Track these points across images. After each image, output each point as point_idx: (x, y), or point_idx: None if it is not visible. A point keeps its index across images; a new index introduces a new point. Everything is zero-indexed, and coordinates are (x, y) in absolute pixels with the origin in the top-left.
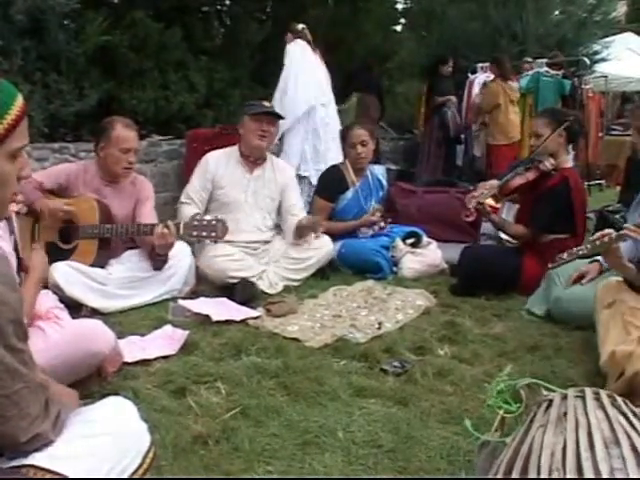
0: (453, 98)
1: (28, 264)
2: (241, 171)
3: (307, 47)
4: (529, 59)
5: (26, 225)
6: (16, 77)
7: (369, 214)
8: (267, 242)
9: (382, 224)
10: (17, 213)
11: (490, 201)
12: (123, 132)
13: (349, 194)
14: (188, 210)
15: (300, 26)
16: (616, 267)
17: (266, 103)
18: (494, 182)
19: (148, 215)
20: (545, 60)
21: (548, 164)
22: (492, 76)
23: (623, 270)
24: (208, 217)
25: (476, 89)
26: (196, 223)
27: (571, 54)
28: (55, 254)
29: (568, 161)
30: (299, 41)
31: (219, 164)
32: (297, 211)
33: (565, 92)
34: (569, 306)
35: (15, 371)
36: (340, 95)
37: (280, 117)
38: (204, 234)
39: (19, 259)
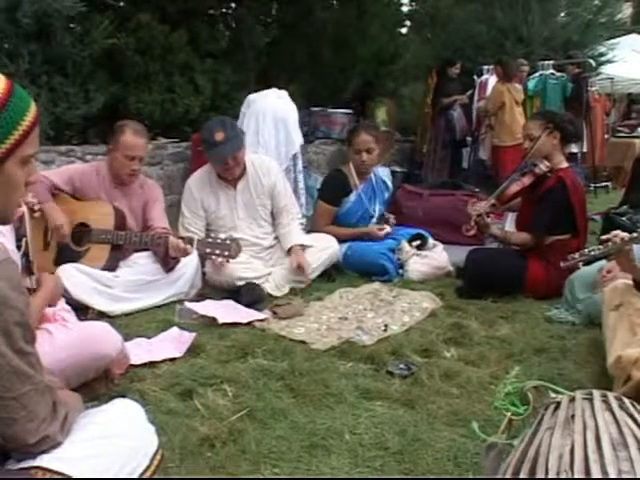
0: (464, 97)
1: (39, 266)
2: (224, 190)
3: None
4: (524, 61)
5: (39, 226)
6: (22, 80)
7: (375, 226)
8: (270, 247)
9: (388, 229)
10: (32, 211)
11: (488, 220)
12: (131, 139)
13: (352, 197)
14: None
15: None
16: (627, 269)
17: (218, 135)
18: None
19: (159, 218)
20: (552, 62)
21: (543, 167)
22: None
23: (634, 273)
24: (222, 236)
25: (488, 91)
26: (210, 240)
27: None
28: (67, 255)
29: (564, 162)
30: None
31: (201, 189)
32: (287, 216)
33: (566, 94)
34: None
35: (23, 373)
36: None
37: (238, 148)
38: (217, 252)
39: (29, 262)
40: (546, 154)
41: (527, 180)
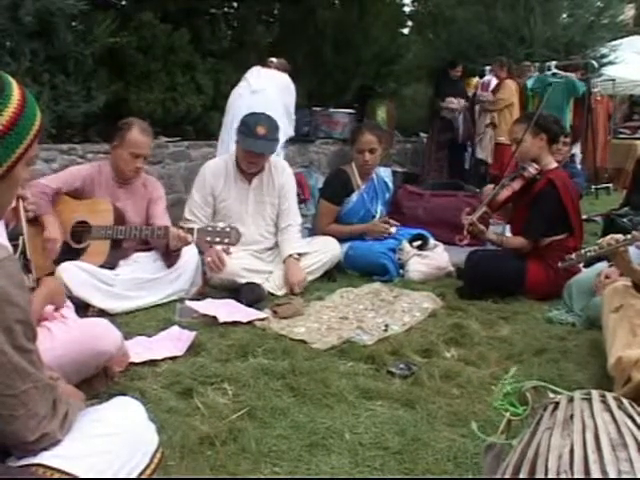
0: (461, 101)
1: (38, 266)
2: (239, 183)
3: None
4: (527, 63)
5: (38, 227)
6: (24, 78)
7: (376, 221)
8: (272, 248)
9: (392, 230)
10: (26, 211)
11: (482, 227)
12: (138, 137)
13: (354, 197)
14: None
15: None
16: (625, 271)
17: (261, 129)
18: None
19: (161, 215)
20: (554, 63)
21: (532, 170)
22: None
23: (632, 274)
24: (221, 224)
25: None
26: (210, 229)
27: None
28: (66, 253)
29: (552, 162)
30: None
31: (217, 176)
32: (286, 220)
33: (578, 94)
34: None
35: (23, 371)
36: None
37: (271, 151)
38: (217, 239)
39: (27, 260)
40: (534, 157)
41: (517, 185)
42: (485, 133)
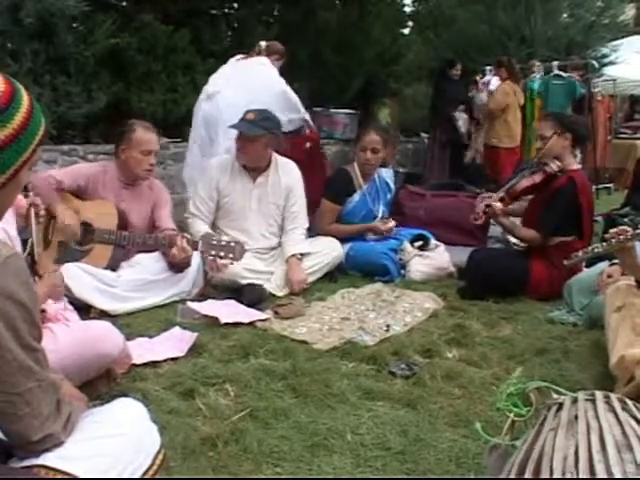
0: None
1: (42, 265)
2: (243, 179)
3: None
4: (537, 62)
5: (39, 225)
6: (25, 79)
7: (379, 222)
8: (274, 248)
9: (393, 223)
10: (36, 215)
11: (499, 205)
12: (144, 134)
13: (356, 197)
14: (198, 226)
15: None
16: (630, 267)
17: (250, 115)
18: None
19: (166, 219)
20: (556, 63)
21: (554, 166)
22: (496, 80)
23: (637, 271)
24: (226, 238)
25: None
26: (214, 243)
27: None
28: (68, 255)
29: (574, 163)
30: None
31: (223, 171)
32: (292, 223)
33: (576, 96)
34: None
35: (29, 369)
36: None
37: (255, 135)
38: (222, 254)
39: (34, 262)
40: (556, 155)
41: (537, 177)
42: (477, 132)
